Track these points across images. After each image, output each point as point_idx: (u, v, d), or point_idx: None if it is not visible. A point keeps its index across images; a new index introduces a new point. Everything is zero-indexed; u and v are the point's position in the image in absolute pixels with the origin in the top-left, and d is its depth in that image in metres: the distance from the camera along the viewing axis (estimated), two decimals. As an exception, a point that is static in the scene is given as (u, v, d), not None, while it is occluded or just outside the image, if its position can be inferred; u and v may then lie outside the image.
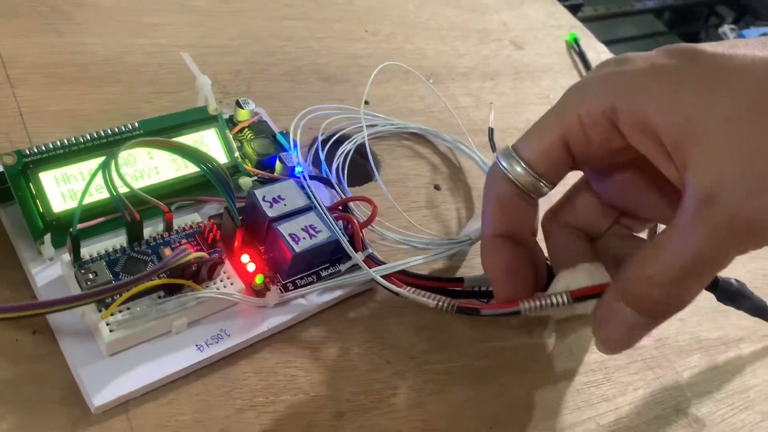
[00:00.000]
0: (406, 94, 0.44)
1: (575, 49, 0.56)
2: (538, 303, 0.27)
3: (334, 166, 0.36)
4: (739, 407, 0.35)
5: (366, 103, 0.42)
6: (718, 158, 0.21)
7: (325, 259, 0.31)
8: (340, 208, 0.32)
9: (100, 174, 0.25)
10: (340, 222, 0.31)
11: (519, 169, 0.26)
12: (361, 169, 0.38)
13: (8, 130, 0.32)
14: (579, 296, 0.27)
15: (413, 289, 0.30)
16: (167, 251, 0.26)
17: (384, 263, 0.31)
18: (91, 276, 0.24)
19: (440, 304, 0.29)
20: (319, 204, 0.30)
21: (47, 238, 0.26)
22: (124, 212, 0.25)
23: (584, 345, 0.34)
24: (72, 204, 0.27)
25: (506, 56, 0.52)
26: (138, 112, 0.35)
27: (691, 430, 0.33)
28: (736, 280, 0.33)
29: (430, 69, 0.47)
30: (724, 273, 0.28)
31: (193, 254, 0.25)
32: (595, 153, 0.25)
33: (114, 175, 0.24)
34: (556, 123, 0.25)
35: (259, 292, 0.28)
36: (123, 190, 0.25)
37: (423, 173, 0.40)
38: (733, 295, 0.33)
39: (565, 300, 0.27)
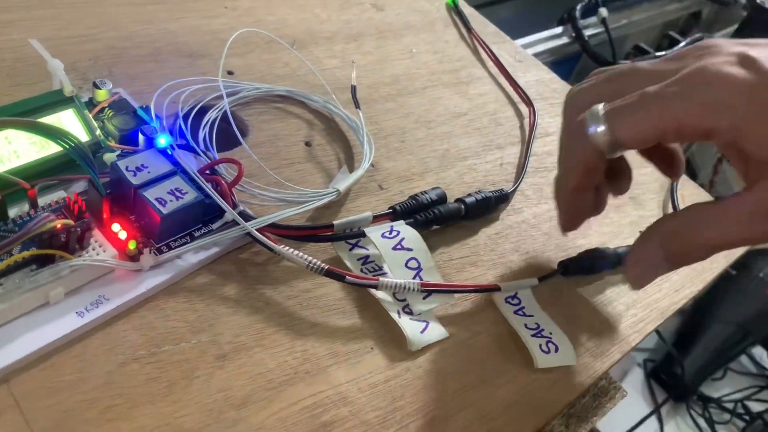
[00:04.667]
0: (270, 61, 0.46)
1: (454, 9, 0.59)
2: (394, 283, 0.32)
3: (201, 135, 0.37)
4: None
5: (230, 73, 0.43)
6: None
7: (198, 220, 0.32)
8: (208, 172, 0.34)
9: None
10: (210, 184, 0.33)
11: (608, 141, 0.29)
12: (230, 136, 0.40)
13: None
14: (426, 288, 0.33)
15: (287, 247, 0.32)
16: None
17: (254, 218, 0.33)
18: (-42, 256, 0.25)
19: (311, 265, 0.31)
20: (185, 165, 0.32)
21: None
22: (-18, 193, 0.26)
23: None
24: (-69, 195, 0.28)
25: (368, 18, 0.54)
26: (-4, 106, 0.36)
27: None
28: (587, 255, 0.40)
29: (293, 36, 0.49)
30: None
31: (57, 221, 0.26)
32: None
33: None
34: (658, 121, 0.28)
35: (134, 257, 0.30)
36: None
37: (294, 132, 0.42)
38: (588, 270, 0.40)
39: (415, 288, 0.33)
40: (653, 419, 1.10)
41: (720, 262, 0.46)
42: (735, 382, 1.21)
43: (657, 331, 1.21)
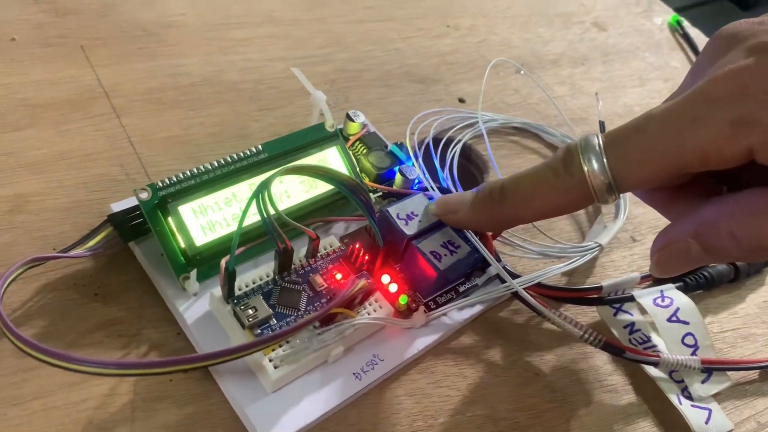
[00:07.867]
0: (499, 88, 0.43)
1: (679, 31, 0.54)
2: (676, 361, 0.29)
3: (446, 172, 0.35)
4: None
5: (461, 101, 0.41)
6: None
7: (461, 274, 0.30)
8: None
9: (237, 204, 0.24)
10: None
11: (603, 181, 0.22)
12: (467, 172, 0.37)
13: (122, 162, 0.32)
14: (707, 365, 0.29)
15: (556, 311, 0.29)
16: (318, 279, 0.26)
17: (518, 275, 0.29)
18: (251, 312, 0.24)
19: (586, 336, 0.28)
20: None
21: (193, 273, 0.26)
22: (276, 241, 0.24)
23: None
24: (212, 236, 0.27)
25: (591, 39, 0.50)
26: (245, 132, 0.35)
27: None
28: None
29: (519, 59, 0.46)
30: None
31: (365, 283, 0.24)
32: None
33: (268, 204, 0.24)
34: (675, 156, 0.21)
35: (404, 313, 0.28)
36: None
37: (531, 171, 0.38)
38: None
39: (696, 367, 0.29)
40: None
41: None
42: None
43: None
